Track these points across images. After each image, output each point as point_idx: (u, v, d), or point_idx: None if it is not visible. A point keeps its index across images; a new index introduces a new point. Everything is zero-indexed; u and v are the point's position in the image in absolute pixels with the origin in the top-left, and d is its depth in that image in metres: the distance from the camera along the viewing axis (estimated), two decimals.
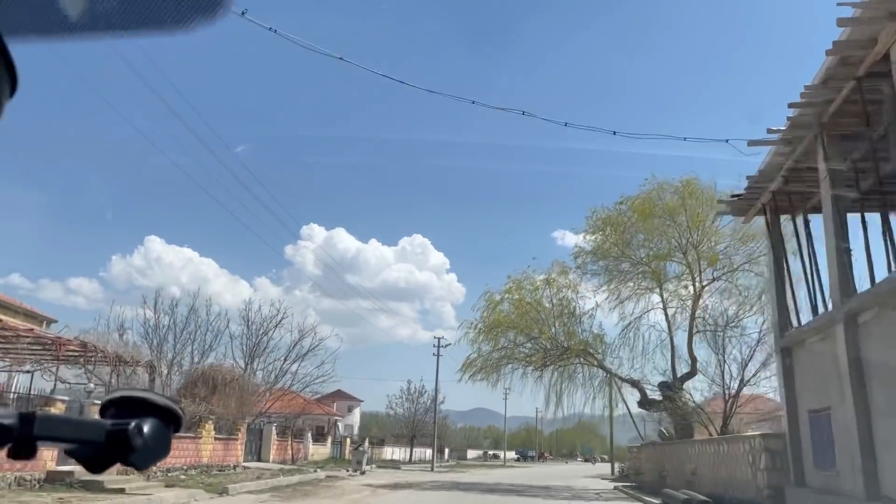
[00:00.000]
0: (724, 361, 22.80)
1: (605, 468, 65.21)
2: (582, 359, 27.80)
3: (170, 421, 0.92)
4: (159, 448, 0.89)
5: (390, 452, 57.01)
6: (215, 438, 25.45)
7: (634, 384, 27.58)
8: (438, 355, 47.02)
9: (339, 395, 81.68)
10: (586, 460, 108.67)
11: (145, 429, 0.86)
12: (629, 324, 28.26)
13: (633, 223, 26.13)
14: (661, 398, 26.66)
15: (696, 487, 17.81)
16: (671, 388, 25.48)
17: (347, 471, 32.43)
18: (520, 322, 27.44)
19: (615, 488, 26.18)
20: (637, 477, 27.21)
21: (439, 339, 47.65)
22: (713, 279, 25.54)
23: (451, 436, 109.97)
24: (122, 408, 0.91)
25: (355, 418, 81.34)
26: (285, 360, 36.85)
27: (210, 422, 25.03)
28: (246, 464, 28.35)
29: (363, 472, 32.24)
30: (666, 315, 27.62)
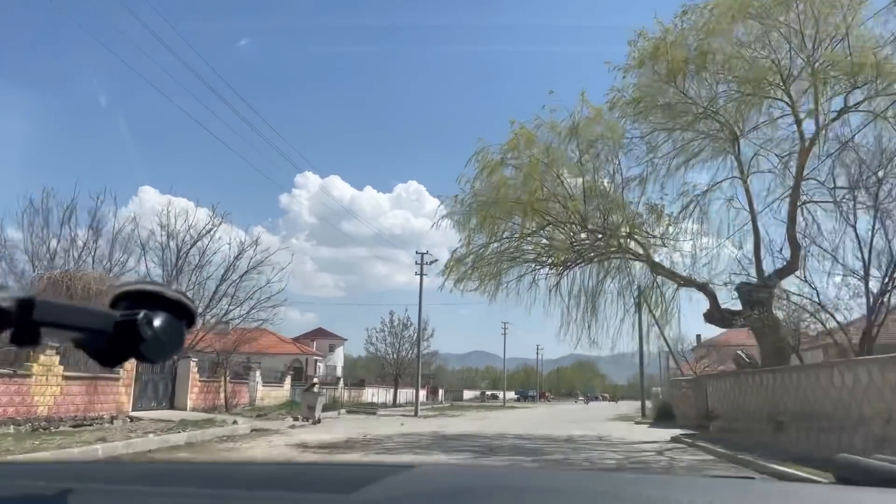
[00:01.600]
0: (876, 230, 13.71)
1: (618, 408, 57.35)
2: (625, 254, 18.67)
3: (182, 316, 0.85)
4: (171, 341, 0.83)
5: (371, 394, 48.68)
6: (65, 377, 16.51)
7: (701, 288, 18.59)
8: (422, 274, 38.11)
9: (319, 332, 73.40)
10: (586, 400, 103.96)
11: (156, 322, 0.81)
12: (690, 202, 19.16)
13: (712, 29, 16.51)
14: (741, 307, 17.77)
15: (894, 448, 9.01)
16: (766, 288, 16.55)
17: (297, 419, 24.01)
18: (531, 198, 18.07)
19: (674, 440, 17.54)
20: (711, 423, 18.32)
21: (423, 254, 38.60)
22: (842, 111, 15.99)
23: (447, 377, 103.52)
24: (134, 301, 0.84)
25: (338, 359, 73.41)
26: (222, 279, 28.31)
27: (52, 352, 16.05)
28: (136, 413, 19.59)
29: (318, 421, 23.82)
30: (745, 186, 18.53)
